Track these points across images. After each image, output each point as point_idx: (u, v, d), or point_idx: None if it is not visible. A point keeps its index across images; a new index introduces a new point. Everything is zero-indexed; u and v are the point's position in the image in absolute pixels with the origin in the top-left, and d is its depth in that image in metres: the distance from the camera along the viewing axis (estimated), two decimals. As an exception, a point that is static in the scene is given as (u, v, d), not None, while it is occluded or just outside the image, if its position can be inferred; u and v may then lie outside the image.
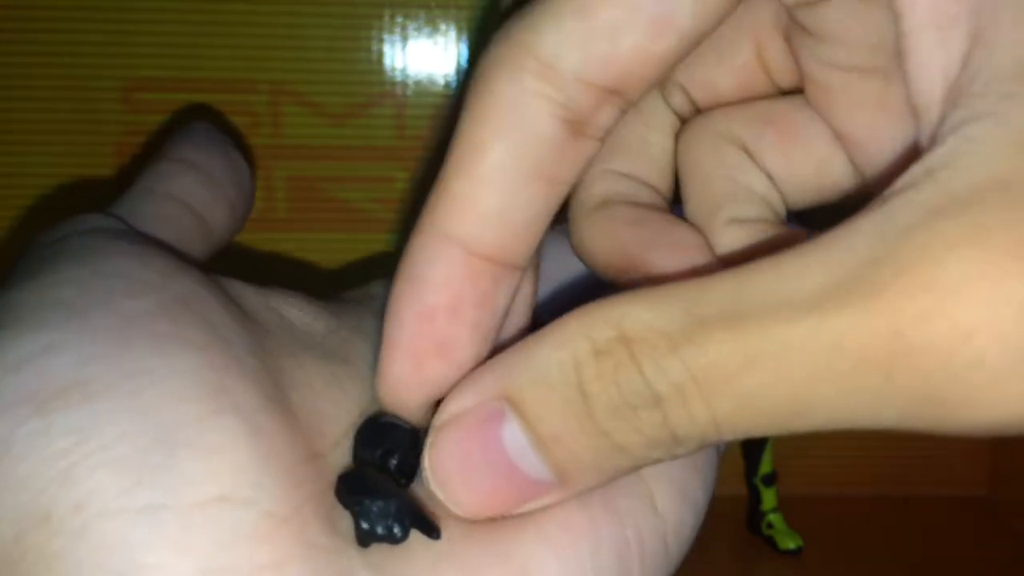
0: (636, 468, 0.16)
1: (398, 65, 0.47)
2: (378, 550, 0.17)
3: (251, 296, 0.19)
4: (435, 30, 0.47)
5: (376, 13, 0.47)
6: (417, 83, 0.48)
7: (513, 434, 0.16)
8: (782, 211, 0.20)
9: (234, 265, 0.21)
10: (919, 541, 0.52)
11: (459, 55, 0.47)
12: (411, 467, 0.19)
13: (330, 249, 0.49)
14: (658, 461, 0.16)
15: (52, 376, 0.16)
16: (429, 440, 0.17)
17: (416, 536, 0.17)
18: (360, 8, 0.47)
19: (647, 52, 0.17)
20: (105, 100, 0.46)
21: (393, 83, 0.47)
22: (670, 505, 0.19)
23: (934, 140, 0.15)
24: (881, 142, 0.19)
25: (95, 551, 0.15)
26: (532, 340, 0.16)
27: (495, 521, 0.18)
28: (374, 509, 0.17)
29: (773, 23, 0.20)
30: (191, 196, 0.22)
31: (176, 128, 0.23)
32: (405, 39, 0.47)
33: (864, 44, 0.18)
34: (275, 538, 0.16)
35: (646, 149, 0.21)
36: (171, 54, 0.46)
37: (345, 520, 0.17)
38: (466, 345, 0.18)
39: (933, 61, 0.15)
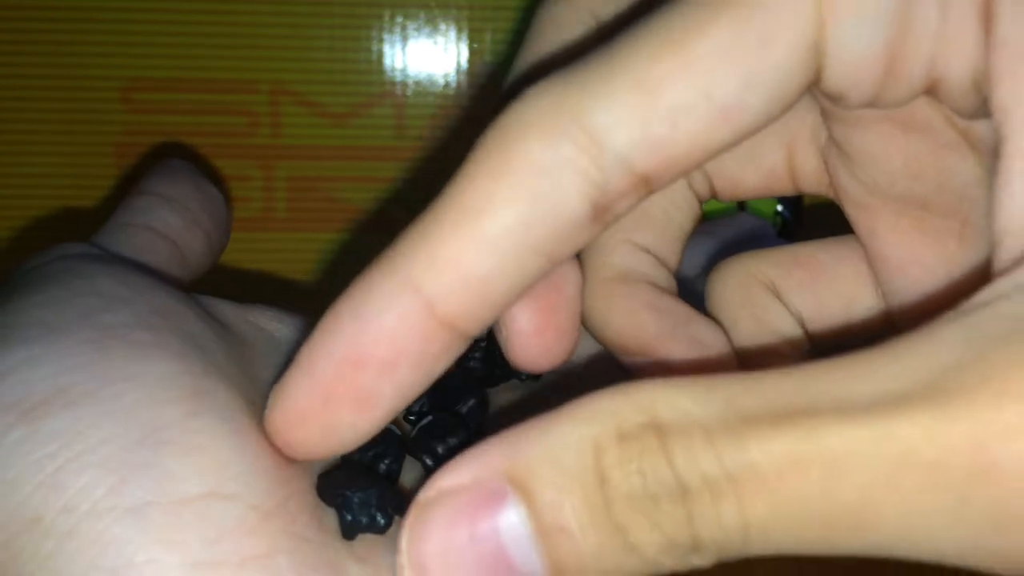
0: None
1: (398, 65, 0.47)
2: (364, 542, 0.17)
3: (228, 310, 0.20)
4: (435, 30, 0.47)
5: (376, 13, 0.47)
6: (417, 83, 0.48)
7: (512, 521, 0.14)
8: (805, 350, 0.20)
9: (218, 280, 0.21)
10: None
11: (459, 55, 0.47)
12: (399, 471, 0.19)
13: (330, 249, 0.49)
14: (665, 571, 0.14)
15: (35, 386, 0.16)
16: (409, 518, 0.15)
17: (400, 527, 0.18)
18: (360, 8, 0.47)
19: (705, 141, 0.15)
20: (105, 100, 0.46)
21: (393, 83, 0.47)
22: None
23: (1020, 262, 0.14)
24: (916, 266, 0.18)
25: (86, 550, 0.15)
26: (547, 418, 0.14)
27: None
28: (356, 500, 0.17)
29: (810, 135, 0.19)
30: (167, 227, 0.22)
31: (154, 166, 0.24)
32: (405, 39, 0.47)
33: (903, 173, 0.18)
34: (262, 531, 0.16)
35: (668, 226, 0.21)
36: (171, 54, 0.46)
37: (331, 516, 0.17)
38: (387, 404, 0.16)
39: None
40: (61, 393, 0.16)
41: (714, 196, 0.21)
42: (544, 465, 0.14)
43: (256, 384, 0.18)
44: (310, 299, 0.24)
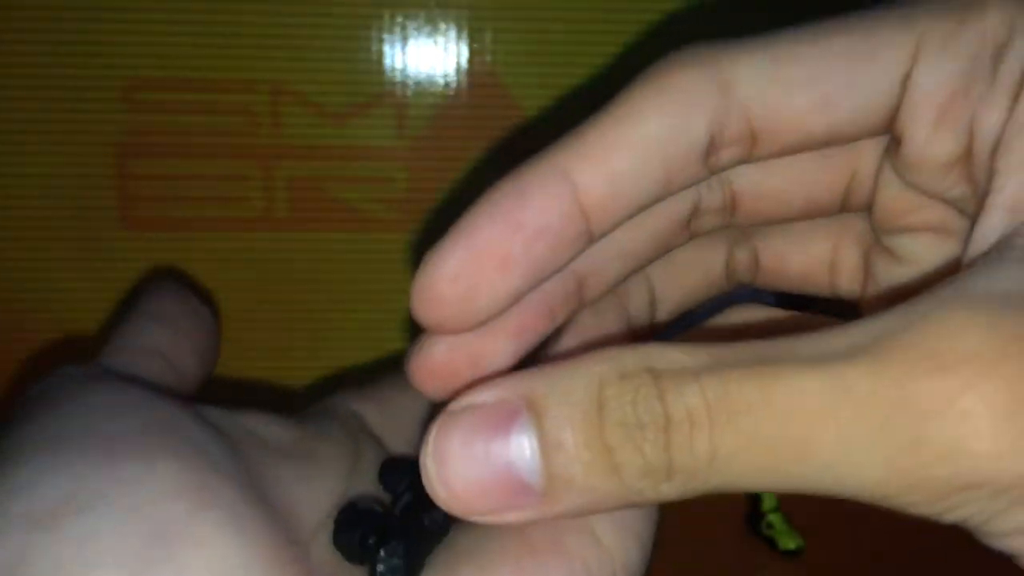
0: (615, 503, 0.17)
1: (398, 65, 0.47)
2: None
3: (222, 416, 0.22)
4: (435, 30, 0.47)
5: (376, 13, 0.47)
6: (417, 83, 0.48)
7: (521, 435, 0.17)
8: None
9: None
10: (919, 541, 0.52)
11: (459, 55, 0.47)
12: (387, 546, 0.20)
13: (330, 249, 0.49)
14: (637, 501, 0.17)
15: (51, 493, 0.17)
16: (437, 424, 0.18)
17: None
18: (360, 8, 0.47)
19: (803, 121, 0.18)
20: (105, 100, 0.46)
21: (393, 83, 0.47)
22: (614, 538, 0.20)
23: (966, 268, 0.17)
24: None
25: None
26: (563, 361, 0.17)
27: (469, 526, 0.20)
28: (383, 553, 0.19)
29: (856, 238, 0.22)
30: (161, 346, 0.24)
31: (146, 286, 0.27)
32: (405, 39, 0.47)
33: (939, 272, 0.21)
34: None
35: (688, 275, 0.24)
36: (171, 54, 0.46)
37: None
38: (521, 272, 0.19)
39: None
40: (71, 498, 0.17)
41: (752, 280, 0.23)
42: (556, 392, 0.17)
43: (251, 477, 0.20)
44: (301, 401, 0.26)
